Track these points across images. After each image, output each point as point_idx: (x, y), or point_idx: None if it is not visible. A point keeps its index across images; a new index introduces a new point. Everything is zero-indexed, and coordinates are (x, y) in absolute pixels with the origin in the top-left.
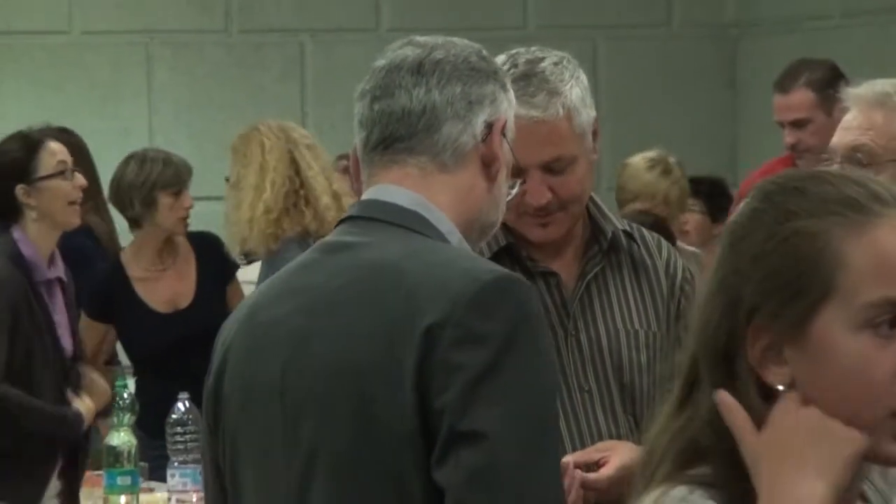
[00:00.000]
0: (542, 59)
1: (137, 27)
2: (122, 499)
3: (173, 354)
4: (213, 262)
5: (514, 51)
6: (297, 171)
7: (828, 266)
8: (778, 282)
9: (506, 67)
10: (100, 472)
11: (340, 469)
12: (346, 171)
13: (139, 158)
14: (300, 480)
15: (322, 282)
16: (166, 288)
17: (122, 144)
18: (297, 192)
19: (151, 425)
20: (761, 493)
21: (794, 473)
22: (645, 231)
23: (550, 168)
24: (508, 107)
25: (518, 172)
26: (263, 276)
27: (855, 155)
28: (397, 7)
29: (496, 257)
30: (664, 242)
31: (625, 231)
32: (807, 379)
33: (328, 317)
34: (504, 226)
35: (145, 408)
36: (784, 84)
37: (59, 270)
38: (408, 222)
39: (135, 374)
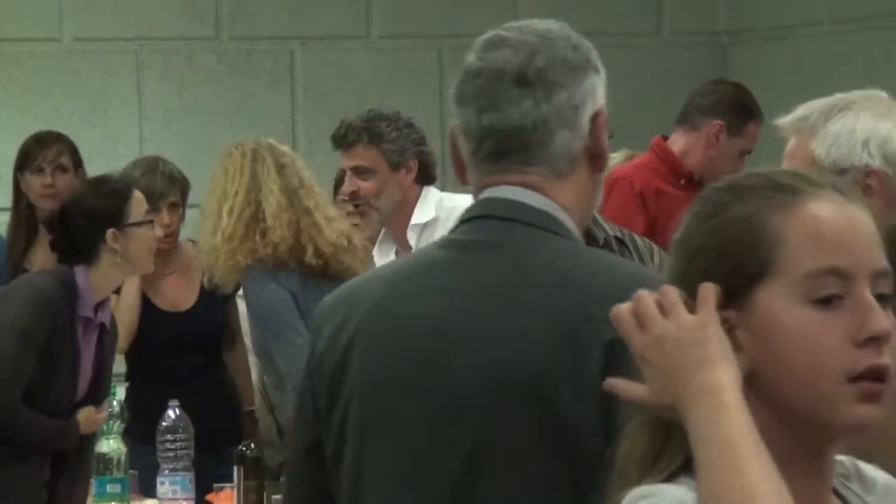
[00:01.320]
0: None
1: (128, 35)
2: None
3: (168, 357)
4: None
5: None
6: (259, 197)
7: (765, 245)
8: (720, 269)
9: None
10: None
11: (514, 467)
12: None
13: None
14: (462, 477)
15: (472, 281)
16: (170, 290)
17: (112, 152)
18: (257, 218)
19: (142, 432)
20: (683, 417)
21: (689, 377)
22: (636, 237)
23: None
24: (602, 87)
25: None
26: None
27: None
28: (388, 14)
29: None
30: (655, 248)
31: (616, 237)
32: (762, 358)
33: (491, 317)
34: None
35: (135, 415)
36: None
37: (106, 317)
38: (542, 222)
39: (126, 380)
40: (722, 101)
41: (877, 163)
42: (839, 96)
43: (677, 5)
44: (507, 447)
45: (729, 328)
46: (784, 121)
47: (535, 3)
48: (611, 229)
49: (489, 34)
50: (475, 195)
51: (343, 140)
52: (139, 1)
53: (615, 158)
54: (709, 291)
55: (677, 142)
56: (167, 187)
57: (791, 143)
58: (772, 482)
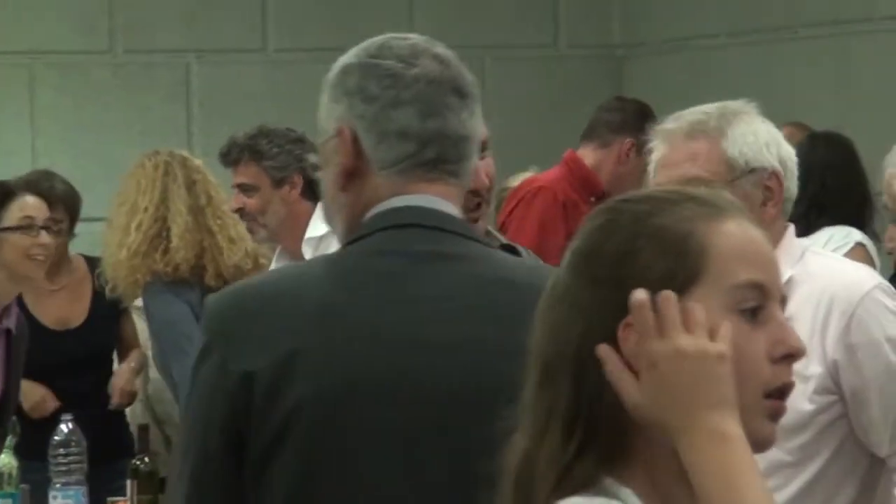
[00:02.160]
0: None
1: (21, 48)
2: None
3: (60, 374)
4: None
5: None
6: (166, 214)
7: (695, 252)
8: (650, 273)
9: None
10: None
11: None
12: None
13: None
14: (445, 485)
15: (435, 294)
16: (59, 306)
17: (5, 166)
18: (161, 236)
19: (34, 448)
20: (679, 441)
21: (700, 412)
22: (521, 248)
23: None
24: None
25: None
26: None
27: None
28: (284, 27)
29: None
30: (541, 262)
31: (508, 245)
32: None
33: (467, 328)
34: None
35: (26, 430)
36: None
37: (11, 322)
38: (476, 236)
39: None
40: (629, 118)
41: (777, 164)
42: (716, 105)
43: (573, 18)
44: (483, 455)
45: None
46: (670, 126)
47: (433, 17)
48: (502, 238)
49: (396, 42)
50: (381, 197)
51: (227, 158)
52: (33, 15)
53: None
54: (727, 328)
55: (587, 157)
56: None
57: (693, 145)
58: None
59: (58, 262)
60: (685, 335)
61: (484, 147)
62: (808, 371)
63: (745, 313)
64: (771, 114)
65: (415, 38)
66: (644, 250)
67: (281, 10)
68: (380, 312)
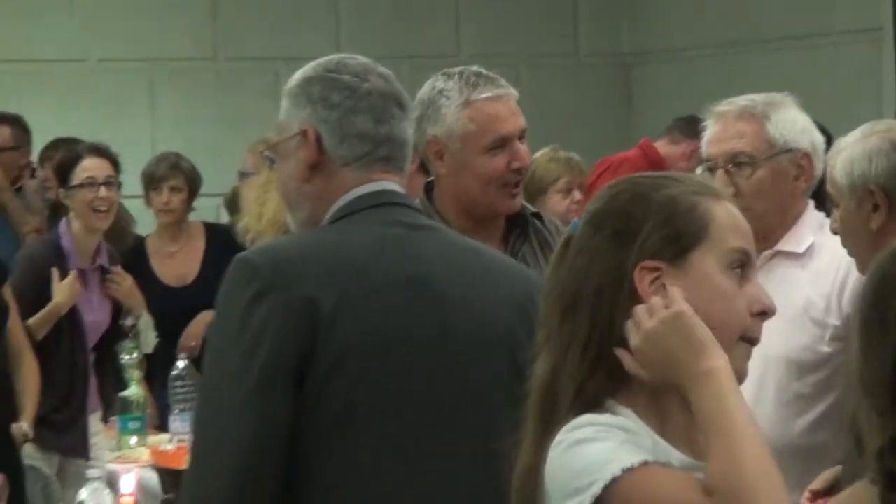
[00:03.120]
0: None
1: (142, 56)
2: (133, 439)
3: (177, 322)
4: (220, 247)
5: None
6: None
7: (701, 219)
8: (663, 231)
9: (461, 72)
10: (114, 418)
11: (500, 392)
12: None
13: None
14: (455, 406)
15: (439, 254)
16: (176, 265)
17: (129, 153)
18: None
19: (159, 380)
20: (682, 389)
21: (688, 366)
22: (547, 215)
23: (521, 137)
24: None
25: (500, 144)
26: None
27: (736, 159)
28: (353, 37)
29: None
30: (560, 226)
31: (534, 213)
32: (687, 300)
33: (474, 285)
34: (441, 217)
35: (152, 366)
36: None
37: (104, 259)
38: (427, 213)
39: None
40: (698, 129)
41: (809, 148)
42: (764, 94)
43: (590, 30)
44: (489, 386)
45: (657, 276)
46: (724, 108)
47: (477, 31)
48: (531, 207)
49: (349, 60)
50: (350, 185)
51: None
52: (152, 29)
53: (545, 154)
54: (675, 291)
55: (660, 148)
56: (167, 172)
57: (741, 125)
58: (762, 442)
59: (177, 228)
60: (647, 319)
61: (522, 136)
62: (828, 321)
63: (735, 271)
64: None
65: (361, 59)
66: (655, 214)
67: (352, 22)
68: (400, 268)
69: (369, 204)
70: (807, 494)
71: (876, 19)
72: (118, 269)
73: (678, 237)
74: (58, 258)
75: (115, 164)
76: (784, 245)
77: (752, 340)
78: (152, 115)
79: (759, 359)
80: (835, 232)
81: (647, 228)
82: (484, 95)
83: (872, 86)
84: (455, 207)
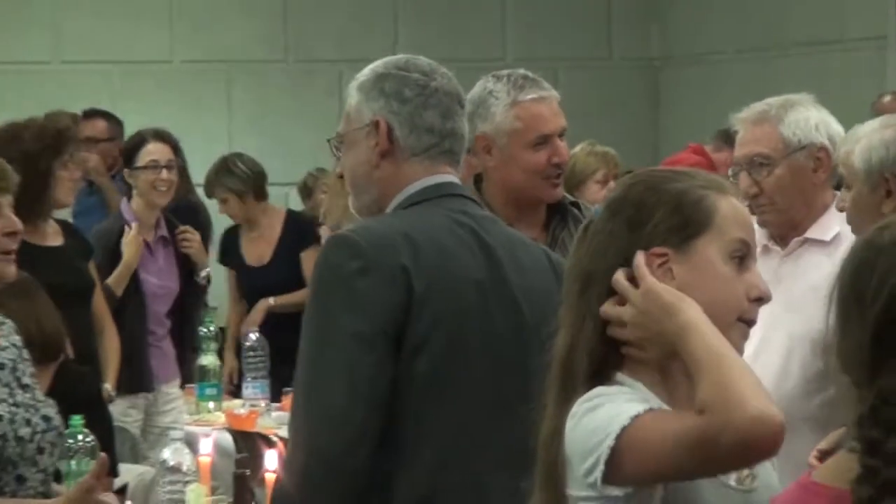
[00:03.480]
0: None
1: (220, 58)
2: (210, 404)
3: (252, 297)
4: (294, 232)
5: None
6: None
7: (707, 210)
8: (672, 220)
9: (509, 75)
10: (192, 385)
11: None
12: None
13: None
14: (522, 377)
15: (498, 243)
16: (255, 248)
17: (207, 148)
18: None
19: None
20: (671, 336)
21: (668, 326)
22: (585, 204)
23: (561, 135)
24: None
25: (543, 141)
26: None
27: (755, 160)
28: (409, 41)
29: None
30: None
31: (572, 202)
32: (690, 285)
33: (528, 277)
34: (489, 202)
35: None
36: None
37: (164, 231)
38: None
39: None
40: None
41: (826, 141)
42: (781, 98)
43: (622, 36)
44: (535, 366)
45: (665, 261)
46: (744, 115)
47: (521, 36)
48: (570, 196)
49: (416, 60)
50: (419, 174)
51: None
52: (229, 33)
53: (583, 149)
54: (638, 259)
55: (710, 152)
56: (212, 188)
57: (758, 129)
58: (742, 362)
59: (255, 216)
60: (625, 310)
61: (562, 134)
62: None
63: (735, 259)
64: None
65: (425, 59)
66: (665, 204)
67: (409, 27)
68: (474, 255)
69: (438, 194)
70: (815, 453)
71: (882, 28)
72: (186, 227)
73: (685, 226)
74: (123, 232)
75: (175, 148)
76: (812, 233)
77: (749, 322)
78: (229, 112)
79: (787, 338)
80: (841, 209)
81: (658, 217)
82: (529, 97)
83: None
84: (501, 197)
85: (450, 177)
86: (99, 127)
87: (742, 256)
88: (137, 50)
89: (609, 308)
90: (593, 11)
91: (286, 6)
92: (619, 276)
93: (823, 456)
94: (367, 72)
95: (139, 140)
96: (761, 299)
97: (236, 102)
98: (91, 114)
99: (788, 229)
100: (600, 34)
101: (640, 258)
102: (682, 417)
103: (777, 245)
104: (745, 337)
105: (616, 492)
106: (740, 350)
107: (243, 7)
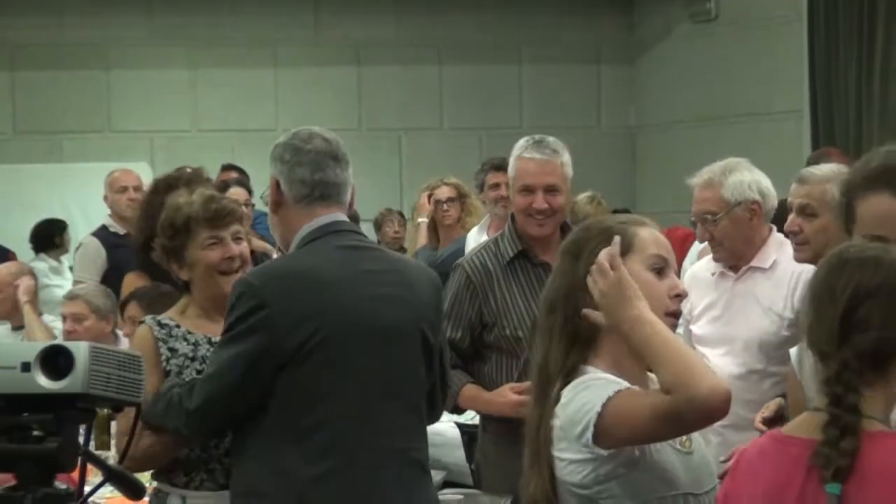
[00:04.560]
0: (549, 138)
1: (313, 125)
2: None
3: None
4: None
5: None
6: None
7: (628, 237)
8: (601, 247)
9: (529, 137)
10: None
11: (417, 371)
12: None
13: None
14: (393, 374)
15: (387, 268)
16: None
17: None
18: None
19: None
20: (624, 331)
21: (624, 312)
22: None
23: (549, 189)
24: None
25: (527, 189)
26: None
27: (706, 217)
28: (452, 113)
29: (519, 255)
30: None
31: (566, 223)
32: None
33: (410, 290)
34: (519, 237)
35: None
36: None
37: None
38: (511, 232)
39: None
40: None
41: (757, 196)
42: (722, 163)
43: (607, 109)
44: (413, 363)
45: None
46: (695, 181)
47: (536, 109)
48: (569, 220)
49: (303, 131)
50: (302, 219)
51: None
52: (318, 106)
53: (583, 198)
54: (614, 247)
55: None
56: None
57: (705, 192)
58: (689, 349)
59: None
60: (602, 280)
61: (549, 189)
62: (785, 314)
63: (654, 270)
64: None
65: (314, 129)
66: (596, 236)
67: (452, 102)
68: (355, 280)
69: (326, 232)
70: (759, 419)
71: (798, 103)
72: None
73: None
74: None
75: (250, 191)
76: (755, 262)
77: (674, 314)
78: None
79: (741, 342)
80: (794, 231)
81: (590, 247)
82: (526, 155)
83: (796, 151)
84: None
85: (328, 217)
86: (242, 193)
87: (660, 268)
88: (250, 121)
89: (591, 281)
90: (585, 91)
91: (360, 87)
92: (603, 258)
93: (768, 422)
94: (275, 143)
95: (224, 185)
96: (679, 296)
97: None
98: (227, 167)
99: (737, 260)
100: (591, 108)
101: (603, 254)
102: (652, 395)
103: (730, 272)
104: (674, 327)
105: (602, 452)
106: None
107: (329, 87)
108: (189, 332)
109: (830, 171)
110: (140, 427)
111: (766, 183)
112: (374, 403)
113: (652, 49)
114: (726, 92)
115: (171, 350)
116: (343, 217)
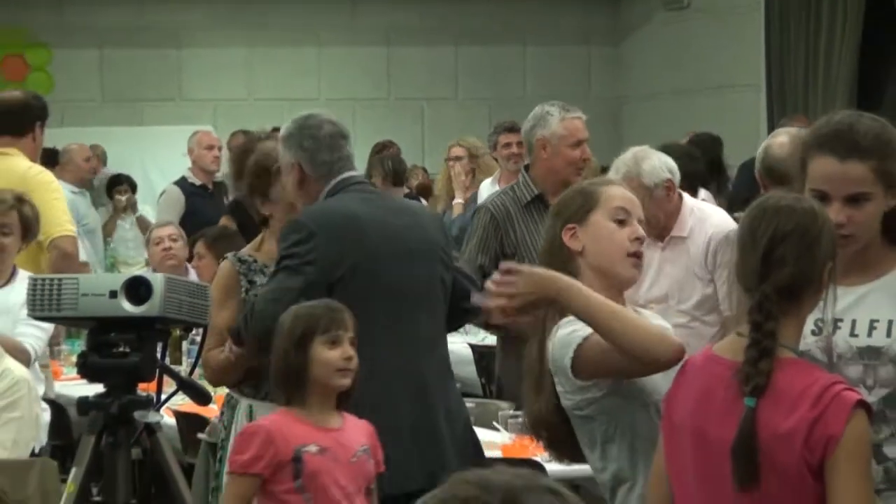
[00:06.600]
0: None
1: (348, 96)
2: None
3: None
4: None
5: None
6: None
7: (595, 194)
8: (573, 204)
9: (557, 104)
10: None
11: (439, 291)
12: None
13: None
14: (423, 293)
15: (402, 206)
16: None
17: None
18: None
19: None
20: (560, 293)
21: (551, 284)
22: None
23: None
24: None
25: (578, 143)
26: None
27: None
28: (467, 83)
29: (535, 199)
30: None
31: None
32: (590, 244)
33: (423, 222)
34: (535, 182)
35: None
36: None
37: None
38: (526, 182)
39: None
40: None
41: (668, 174)
42: (631, 153)
43: (597, 80)
44: (438, 281)
45: (573, 232)
46: (619, 175)
47: (536, 81)
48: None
49: (315, 120)
50: (325, 188)
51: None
52: (350, 77)
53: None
54: (501, 269)
55: None
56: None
57: (628, 185)
58: (629, 311)
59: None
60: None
61: (586, 141)
62: (703, 273)
63: (616, 221)
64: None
65: (320, 113)
66: (576, 198)
67: (466, 76)
68: (380, 214)
69: (345, 185)
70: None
71: (756, 77)
72: None
73: (582, 206)
74: None
75: None
76: (675, 232)
77: (636, 254)
78: (353, 134)
79: (674, 299)
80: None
81: (569, 207)
82: (571, 116)
83: (756, 116)
84: (546, 179)
85: (346, 174)
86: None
87: (622, 219)
88: (296, 90)
89: (507, 297)
90: (579, 68)
91: (389, 64)
92: (494, 278)
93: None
94: (283, 130)
95: (248, 148)
96: (639, 239)
97: (356, 130)
98: (277, 129)
99: (662, 231)
100: (583, 82)
101: (494, 277)
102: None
103: (659, 242)
104: (635, 266)
105: (585, 382)
106: (635, 278)
107: (362, 64)
108: (265, 266)
109: (787, 137)
110: (214, 342)
111: (670, 163)
112: (407, 313)
113: (634, 33)
114: (697, 69)
115: (251, 283)
116: (358, 174)
